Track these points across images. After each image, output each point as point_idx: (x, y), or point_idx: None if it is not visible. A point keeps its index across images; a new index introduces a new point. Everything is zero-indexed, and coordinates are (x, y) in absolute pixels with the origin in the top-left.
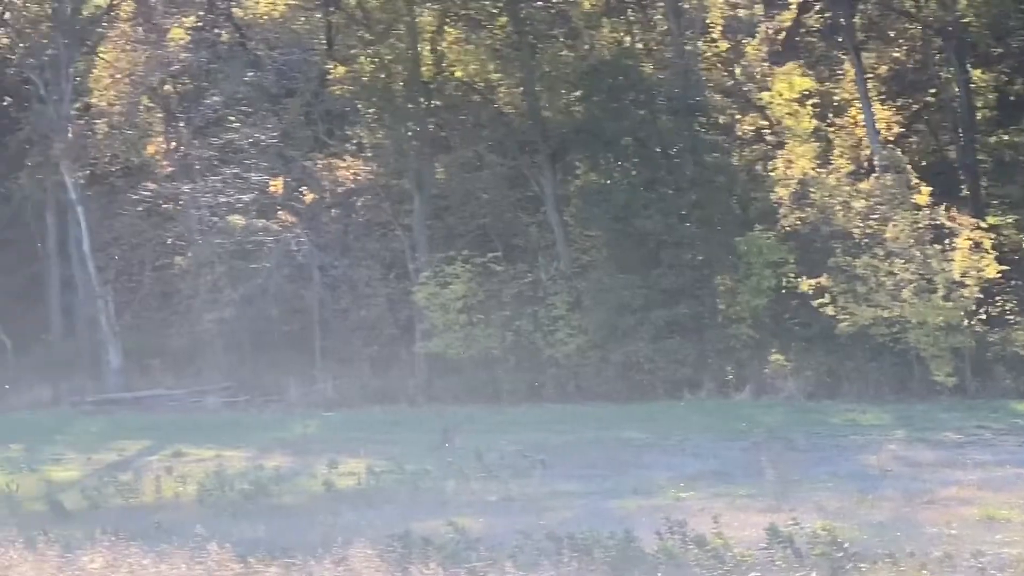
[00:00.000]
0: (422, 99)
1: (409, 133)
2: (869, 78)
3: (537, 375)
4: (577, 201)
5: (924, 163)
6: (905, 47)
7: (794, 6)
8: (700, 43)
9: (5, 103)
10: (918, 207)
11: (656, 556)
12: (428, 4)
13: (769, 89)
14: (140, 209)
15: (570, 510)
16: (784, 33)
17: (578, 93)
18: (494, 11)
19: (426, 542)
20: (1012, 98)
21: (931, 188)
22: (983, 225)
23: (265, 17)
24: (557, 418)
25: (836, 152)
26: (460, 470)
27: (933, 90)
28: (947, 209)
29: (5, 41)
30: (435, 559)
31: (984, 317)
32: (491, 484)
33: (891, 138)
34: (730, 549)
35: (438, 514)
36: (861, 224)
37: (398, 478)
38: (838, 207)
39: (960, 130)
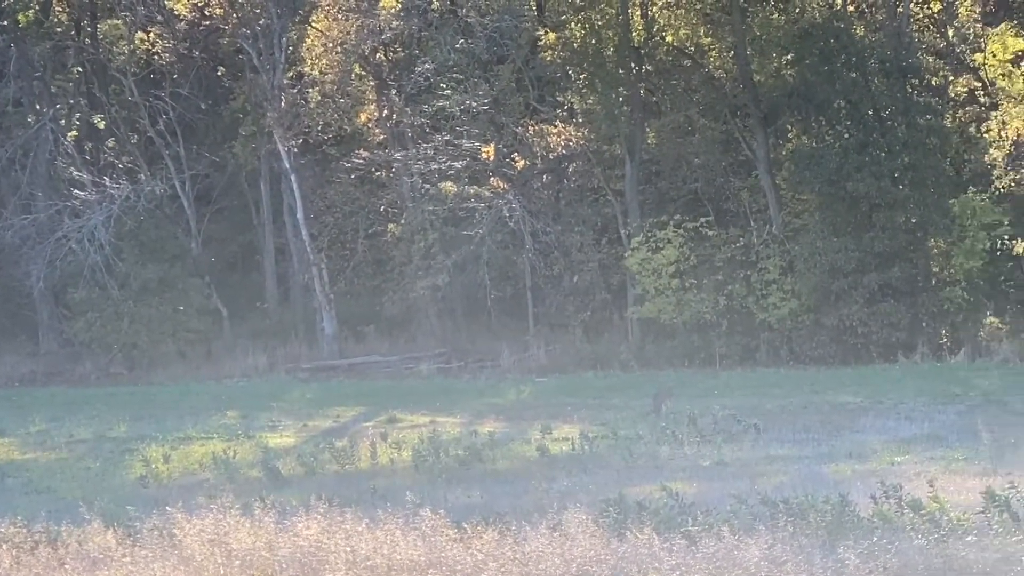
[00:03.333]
0: (632, 64)
1: (620, 98)
2: None
3: (750, 339)
4: (789, 165)
5: None
6: None
7: None
8: (912, 5)
9: (219, 73)
10: None
11: (871, 520)
12: None
13: (982, 50)
14: (353, 177)
15: (784, 474)
16: None
17: (789, 56)
18: None
19: (640, 507)
20: None
21: None
22: None
23: None
24: (770, 382)
25: None
26: (673, 435)
27: None
28: None
29: (219, 11)
30: (650, 524)
31: None
32: (704, 449)
33: None
34: (946, 513)
35: (652, 479)
36: None
37: (611, 443)
38: None
39: None
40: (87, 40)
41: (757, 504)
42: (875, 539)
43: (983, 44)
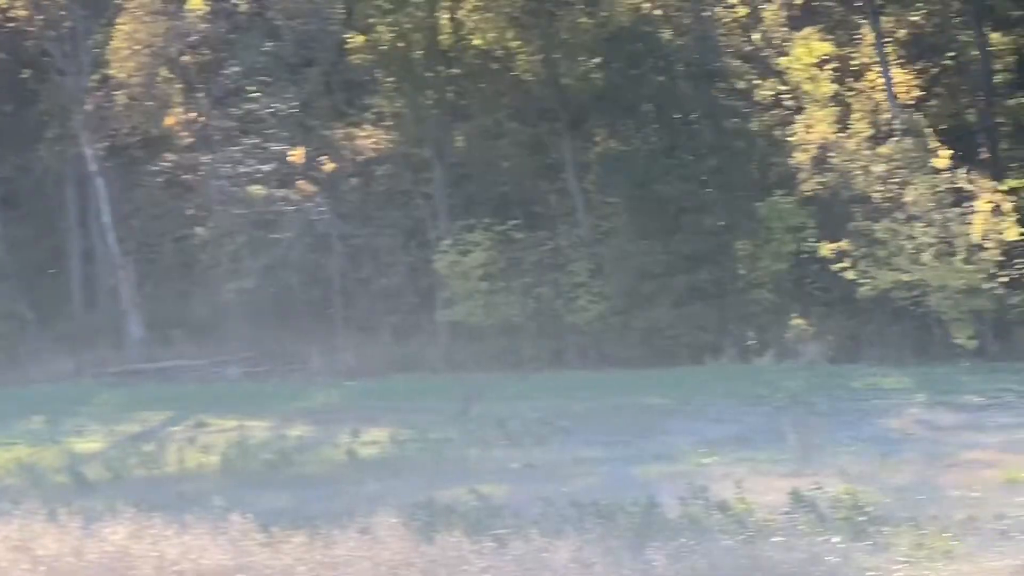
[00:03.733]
0: (441, 67)
1: (428, 102)
2: (887, 42)
3: (558, 342)
4: (597, 168)
5: (943, 126)
6: (923, 10)
7: None
8: (718, 8)
9: (24, 75)
10: (937, 171)
11: (679, 522)
12: None
13: (787, 54)
14: (160, 180)
15: (593, 477)
16: None
17: (597, 60)
18: None
19: (450, 510)
20: None
21: (950, 151)
22: (1003, 188)
23: None
24: (579, 385)
25: (855, 116)
26: (482, 438)
27: (951, 53)
28: (966, 172)
29: (23, 13)
30: (459, 527)
31: (1005, 280)
32: (513, 451)
33: (910, 102)
34: (753, 514)
35: (461, 482)
36: (881, 188)
37: (421, 446)
38: (857, 171)
39: (979, 93)
40: None
41: (566, 506)
42: (683, 540)
43: (788, 48)
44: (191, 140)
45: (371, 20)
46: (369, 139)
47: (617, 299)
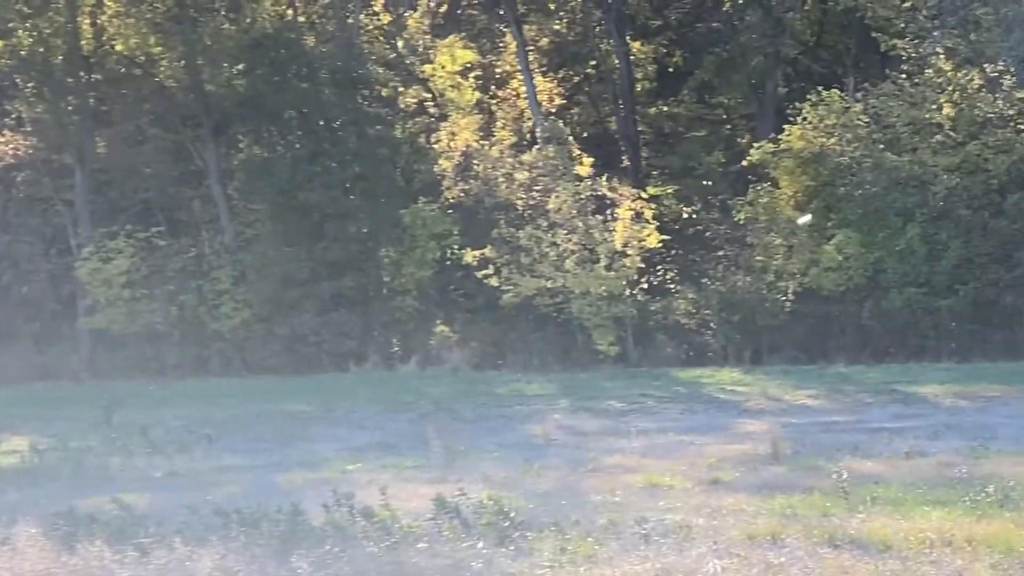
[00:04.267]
0: (82, 73)
1: (69, 108)
2: (530, 50)
3: (203, 349)
4: (241, 175)
5: (585, 134)
6: (565, 19)
7: None
8: (362, 16)
9: None
10: (580, 178)
11: (324, 529)
12: None
13: (432, 62)
14: None
15: (237, 484)
16: (446, 6)
17: (240, 67)
18: None
19: (91, 519)
20: (671, 70)
21: (593, 159)
22: (644, 196)
23: None
24: (223, 392)
25: (499, 124)
26: (125, 446)
27: (593, 62)
28: (608, 180)
29: None
30: (101, 536)
31: (646, 286)
32: (156, 460)
33: (552, 110)
34: (398, 520)
35: (103, 491)
36: (524, 195)
37: (62, 455)
38: (501, 179)
39: (620, 102)
40: None
41: (210, 514)
42: (328, 547)
43: (432, 56)
44: None
45: (11, 25)
46: (8, 145)
47: (261, 306)
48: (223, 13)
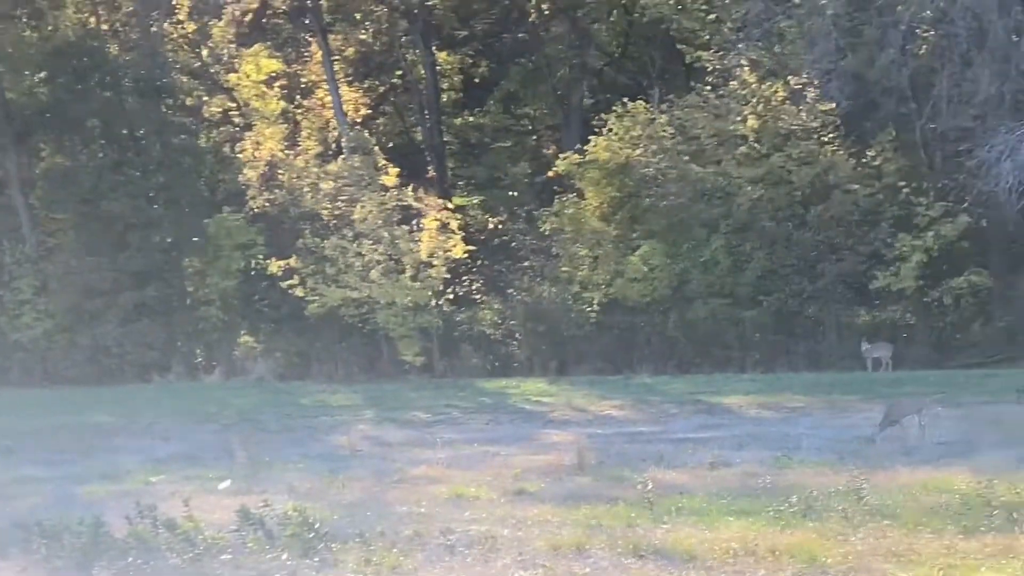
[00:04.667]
0: None
1: None
2: (336, 60)
3: (3, 359)
4: (43, 184)
5: (391, 144)
6: (371, 29)
7: None
8: (166, 24)
9: None
10: (385, 188)
11: (126, 541)
12: None
13: (237, 71)
14: None
15: (38, 496)
16: (251, 15)
17: (42, 75)
18: None
19: None
20: (476, 80)
21: (398, 169)
22: (450, 206)
23: None
24: (24, 403)
25: (304, 134)
26: None
27: (399, 72)
28: (415, 190)
29: None
30: None
31: (451, 297)
32: None
33: (359, 120)
34: (201, 532)
35: None
36: (329, 205)
37: None
38: (306, 188)
39: (426, 112)
40: None
41: (10, 527)
42: (131, 559)
43: (237, 65)
44: None
45: None
46: None
47: (63, 316)
48: (24, 20)
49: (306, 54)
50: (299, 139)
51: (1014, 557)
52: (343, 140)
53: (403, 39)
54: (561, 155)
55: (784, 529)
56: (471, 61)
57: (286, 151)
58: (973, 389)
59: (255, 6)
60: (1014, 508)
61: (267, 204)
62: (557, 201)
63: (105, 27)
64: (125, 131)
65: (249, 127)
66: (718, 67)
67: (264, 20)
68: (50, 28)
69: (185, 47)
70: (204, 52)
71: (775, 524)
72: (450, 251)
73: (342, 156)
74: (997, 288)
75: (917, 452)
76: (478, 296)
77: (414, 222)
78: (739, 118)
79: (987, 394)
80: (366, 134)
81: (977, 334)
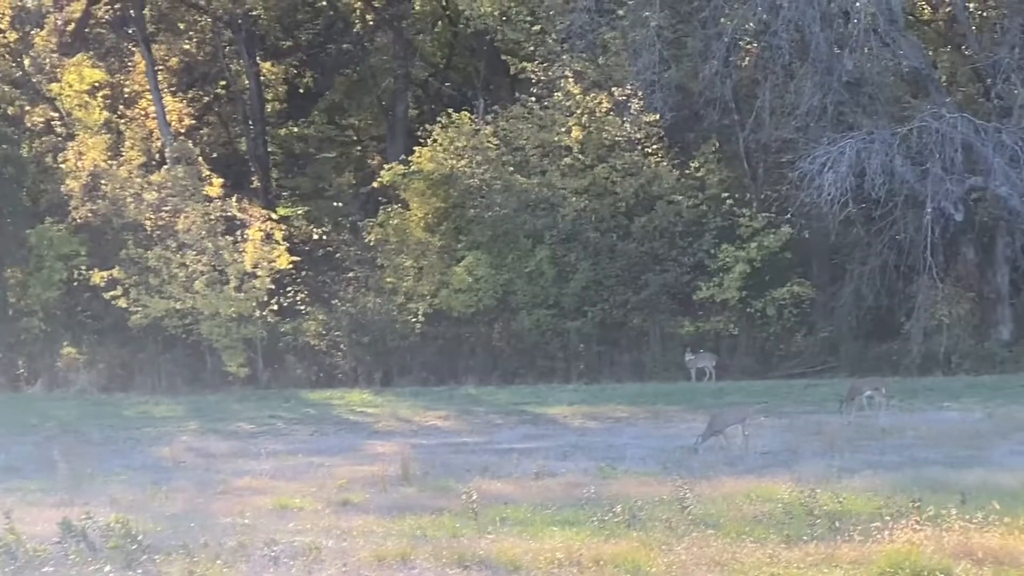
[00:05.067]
0: None
1: None
2: (160, 70)
3: None
4: None
5: (215, 155)
6: (195, 39)
7: None
8: None
9: None
10: (209, 199)
11: None
12: None
13: (59, 80)
14: None
15: None
16: (74, 24)
17: None
18: None
19: None
20: (301, 91)
21: (223, 180)
22: (274, 216)
23: None
24: None
25: (127, 144)
26: None
27: (224, 82)
28: (239, 200)
29: None
30: None
31: (276, 308)
32: None
33: (182, 130)
34: (23, 545)
35: None
36: (153, 216)
37: None
38: (130, 199)
39: (251, 122)
40: None
41: None
42: None
43: (59, 75)
44: None
45: None
46: None
47: None
48: None
49: (129, 64)
50: (122, 149)
51: (836, 566)
52: (167, 150)
53: (227, 49)
54: (386, 166)
55: (608, 539)
56: (295, 72)
57: (109, 161)
58: (796, 399)
59: (78, 15)
60: (836, 517)
61: (90, 214)
62: (382, 212)
63: None
64: None
65: (72, 137)
66: (543, 78)
67: (87, 30)
68: None
69: (6, 56)
70: (26, 62)
71: (599, 534)
72: (274, 262)
73: (166, 166)
74: (819, 298)
75: (740, 462)
76: (303, 307)
77: (238, 233)
78: (563, 129)
79: (809, 404)
80: (190, 144)
81: (800, 344)
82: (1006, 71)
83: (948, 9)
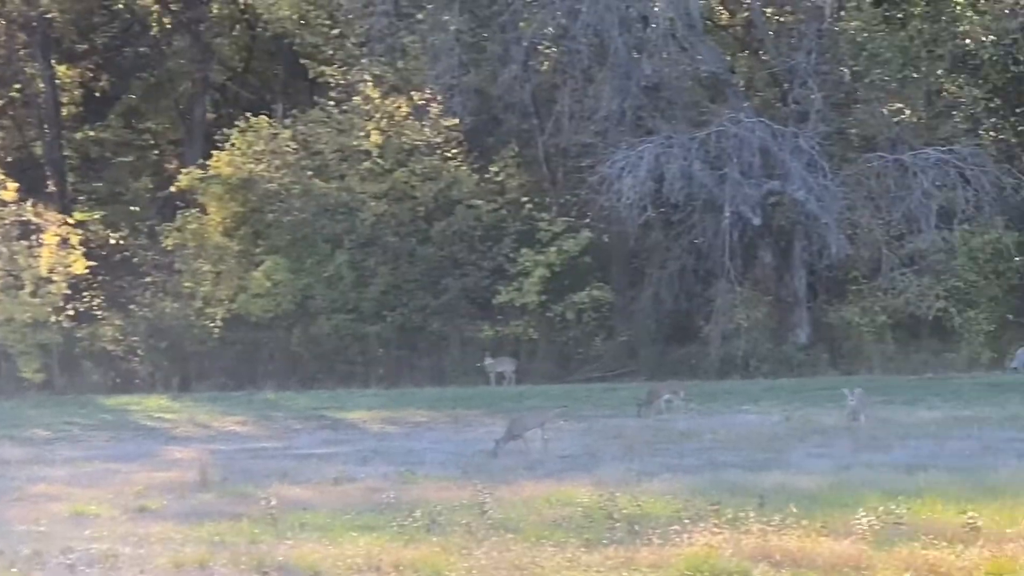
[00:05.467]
0: None
1: None
2: None
3: None
4: None
5: (10, 159)
6: None
7: None
8: None
9: None
10: (4, 203)
11: None
12: None
13: None
14: None
15: None
16: None
17: None
18: None
19: None
20: (98, 94)
21: (17, 184)
22: (70, 221)
23: None
24: None
25: None
26: None
27: (18, 85)
28: (34, 205)
29: None
30: None
31: (72, 313)
32: None
33: None
34: None
35: None
36: None
37: None
38: None
39: (46, 126)
40: None
41: None
42: None
43: None
44: None
45: None
46: None
47: None
48: None
49: None
50: None
51: (635, 569)
52: None
53: (21, 52)
54: (183, 170)
55: (408, 544)
56: (92, 75)
57: None
58: (595, 402)
59: None
60: (635, 520)
61: None
62: (180, 216)
63: None
64: None
65: None
66: (342, 82)
67: None
68: None
69: None
70: None
71: (399, 539)
72: (70, 267)
73: None
74: (618, 303)
75: (540, 465)
76: (99, 312)
77: (33, 237)
78: (363, 133)
79: (608, 407)
80: None
81: (599, 348)
82: (803, 76)
83: (746, 14)
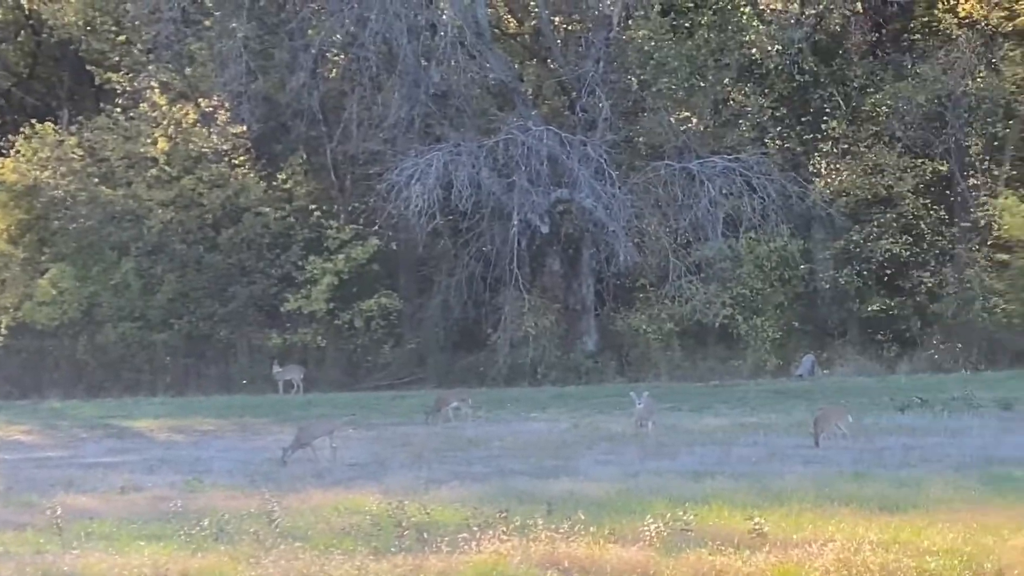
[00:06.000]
0: None
1: None
2: None
3: None
4: None
5: None
6: None
7: None
8: None
9: None
10: None
11: None
12: None
13: None
14: None
15: None
16: None
17: None
18: None
19: None
20: None
21: None
22: None
23: None
24: None
25: None
26: None
27: None
28: None
29: None
30: None
31: None
32: None
33: None
34: None
35: None
36: None
37: None
38: None
39: None
40: None
41: None
42: None
43: None
44: None
45: None
46: None
47: None
48: None
49: None
50: None
51: None
52: None
53: None
54: None
55: (195, 553)
56: None
57: None
58: (383, 410)
59: None
60: (424, 528)
61: None
62: None
63: None
64: None
65: None
66: (128, 89)
67: None
68: None
69: None
70: None
71: (186, 548)
72: None
73: None
74: (407, 310)
75: (328, 474)
76: None
77: None
78: (149, 140)
79: (397, 415)
80: None
81: (387, 356)
82: (591, 85)
83: (533, 23)
